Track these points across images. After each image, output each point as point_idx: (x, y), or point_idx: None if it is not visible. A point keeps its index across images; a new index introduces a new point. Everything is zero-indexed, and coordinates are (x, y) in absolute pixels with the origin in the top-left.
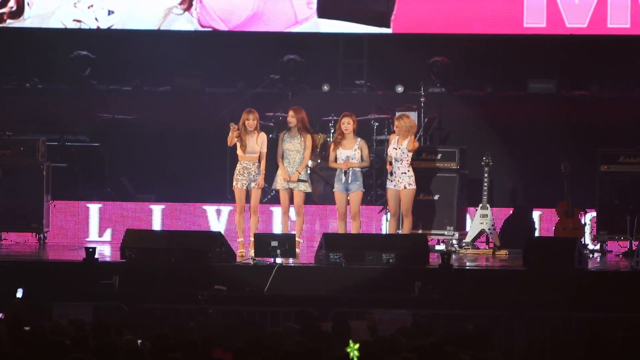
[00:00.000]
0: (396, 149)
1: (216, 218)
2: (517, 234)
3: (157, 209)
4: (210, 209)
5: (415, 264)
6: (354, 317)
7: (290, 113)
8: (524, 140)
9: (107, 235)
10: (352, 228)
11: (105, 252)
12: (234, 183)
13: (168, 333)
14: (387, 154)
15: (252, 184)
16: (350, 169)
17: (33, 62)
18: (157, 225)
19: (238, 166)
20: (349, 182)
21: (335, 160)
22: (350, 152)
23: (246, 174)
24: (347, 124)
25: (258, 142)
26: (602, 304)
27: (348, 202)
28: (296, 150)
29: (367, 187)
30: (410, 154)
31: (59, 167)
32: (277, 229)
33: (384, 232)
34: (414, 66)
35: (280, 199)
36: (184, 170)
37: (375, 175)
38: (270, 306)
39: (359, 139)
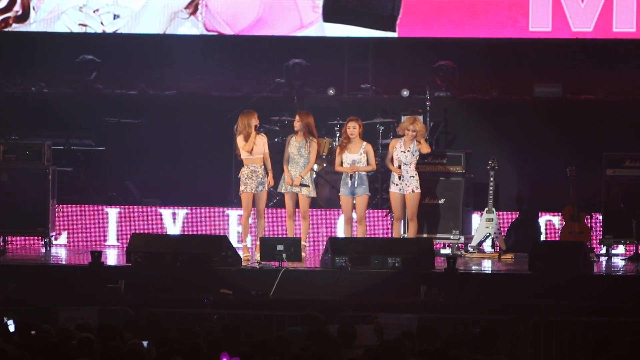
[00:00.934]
0: (404, 152)
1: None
2: (522, 238)
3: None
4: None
5: (421, 268)
6: (359, 321)
7: (297, 118)
8: (529, 144)
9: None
10: (358, 232)
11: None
12: (243, 187)
13: (174, 337)
14: (391, 158)
15: (260, 187)
16: (356, 173)
17: (39, 66)
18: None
19: (245, 170)
20: (355, 186)
21: (342, 164)
22: (356, 156)
23: (254, 177)
24: (353, 128)
25: (261, 144)
26: (608, 308)
27: (354, 206)
28: (301, 154)
29: (372, 191)
30: (417, 157)
31: (64, 171)
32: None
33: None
34: (420, 70)
35: (285, 203)
36: (190, 175)
37: (381, 180)
38: (276, 310)
39: (364, 143)
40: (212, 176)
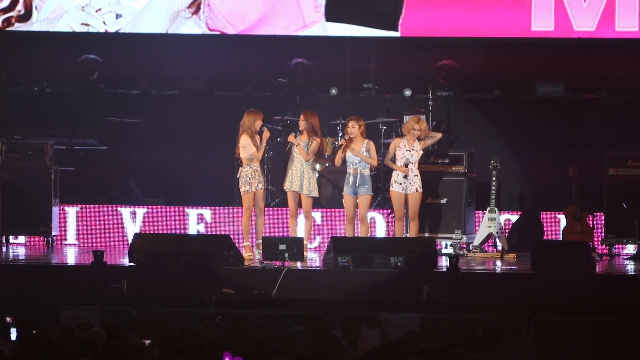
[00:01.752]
0: (409, 151)
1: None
2: (525, 237)
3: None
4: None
5: (424, 267)
6: (362, 320)
7: (301, 117)
8: (531, 143)
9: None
10: (360, 231)
11: None
12: (247, 187)
13: (176, 336)
14: (392, 157)
15: (260, 185)
16: (358, 172)
17: (41, 66)
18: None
19: (248, 170)
20: (357, 185)
21: (345, 162)
22: (358, 155)
23: (257, 176)
24: (352, 127)
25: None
26: (611, 308)
27: (357, 206)
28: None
29: (375, 191)
30: (421, 155)
31: (67, 171)
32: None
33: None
34: (422, 69)
35: (288, 202)
36: (192, 174)
37: (383, 179)
38: (278, 310)
39: (366, 141)
40: (214, 176)
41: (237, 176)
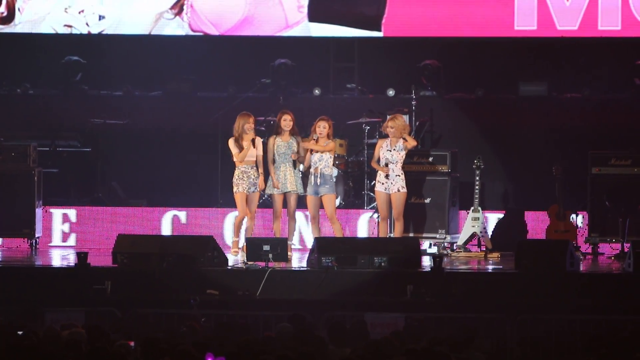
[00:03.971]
0: (390, 150)
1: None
2: (509, 236)
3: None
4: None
5: (408, 267)
6: (346, 320)
7: (289, 117)
8: (515, 143)
9: None
10: (334, 231)
11: None
12: (235, 188)
13: (160, 338)
14: (377, 159)
15: (252, 188)
16: (320, 172)
17: (24, 68)
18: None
19: (237, 172)
20: (319, 184)
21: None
22: (317, 155)
23: (246, 178)
24: (323, 127)
25: (255, 146)
26: (594, 307)
27: (321, 206)
28: (287, 154)
29: (357, 191)
30: (404, 156)
31: (50, 173)
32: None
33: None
34: (405, 69)
35: (273, 203)
36: (175, 175)
37: (366, 179)
38: (262, 310)
39: (328, 141)
40: (197, 177)
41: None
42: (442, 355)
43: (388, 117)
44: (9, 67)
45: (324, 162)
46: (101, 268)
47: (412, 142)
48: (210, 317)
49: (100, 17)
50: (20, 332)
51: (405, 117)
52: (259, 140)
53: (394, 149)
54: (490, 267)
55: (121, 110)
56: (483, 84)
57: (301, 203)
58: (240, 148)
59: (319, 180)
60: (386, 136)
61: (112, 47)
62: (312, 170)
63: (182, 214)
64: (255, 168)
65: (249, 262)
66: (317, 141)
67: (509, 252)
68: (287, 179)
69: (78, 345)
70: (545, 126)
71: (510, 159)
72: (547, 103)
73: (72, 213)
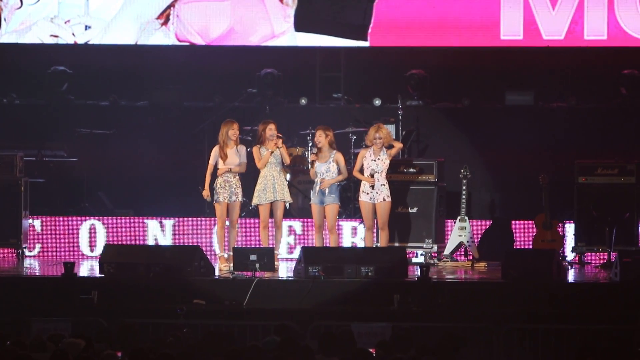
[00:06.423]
0: (375, 160)
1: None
2: (495, 246)
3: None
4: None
5: (394, 276)
6: (333, 330)
7: (274, 126)
8: (501, 152)
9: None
10: (330, 241)
11: None
12: (216, 197)
13: (147, 347)
14: (360, 168)
15: (233, 197)
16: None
17: (10, 78)
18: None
19: (219, 180)
20: (325, 194)
21: (316, 174)
22: (324, 165)
23: (227, 187)
24: (319, 136)
25: (235, 155)
26: (581, 316)
27: (325, 215)
28: (274, 163)
29: (345, 201)
30: (388, 165)
31: (37, 183)
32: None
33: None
34: (392, 79)
35: (260, 213)
36: (162, 185)
37: (353, 189)
38: (249, 320)
39: (334, 152)
40: (184, 186)
41: (214, 186)
42: None
43: (370, 128)
44: None
45: (330, 172)
46: (88, 278)
47: (398, 145)
48: (197, 327)
49: (87, 27)
50: (8, 343)
51: (392, 127)
52: (242, 148)
53: (379, 158)
54: (477, 277)
55: (107, 120)
56: (469, 94)
57: (287, 212)
58: (224, 156)
59: (325, 190)
60: (367, 146)
61: (98, 57)
62: (317, 179)
63: (168, 224)
64: (237, 176)
65: (236, 272)
66: (319, 151)
67: (495, 262)
68: (275, 188)
69: (65, 356)
70: (532, 136)
71: (496, 168)
72: (533, 112)
73: (59, 223)
